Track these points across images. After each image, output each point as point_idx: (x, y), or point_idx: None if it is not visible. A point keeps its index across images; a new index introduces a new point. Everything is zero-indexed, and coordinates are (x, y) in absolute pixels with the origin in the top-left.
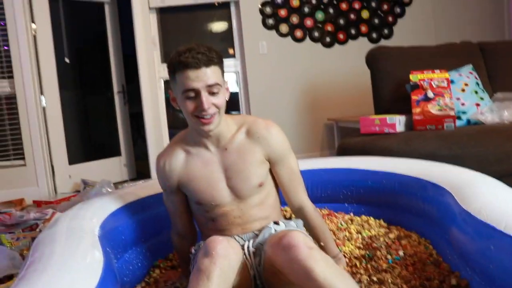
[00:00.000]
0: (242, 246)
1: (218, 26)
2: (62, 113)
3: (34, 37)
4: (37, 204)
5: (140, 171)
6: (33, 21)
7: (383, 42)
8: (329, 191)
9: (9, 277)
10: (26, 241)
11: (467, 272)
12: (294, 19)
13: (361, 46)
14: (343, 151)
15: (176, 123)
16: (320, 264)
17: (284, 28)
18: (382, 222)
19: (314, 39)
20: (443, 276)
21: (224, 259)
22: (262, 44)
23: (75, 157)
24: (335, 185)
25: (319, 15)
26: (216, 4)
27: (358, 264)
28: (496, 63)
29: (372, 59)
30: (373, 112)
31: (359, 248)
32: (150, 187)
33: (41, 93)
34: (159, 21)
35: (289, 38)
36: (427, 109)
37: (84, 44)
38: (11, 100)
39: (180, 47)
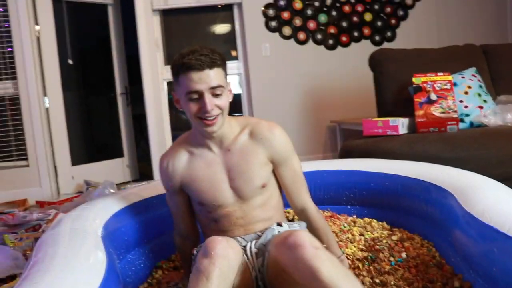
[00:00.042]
0: (244, 247)
1: (221, 28)
2: (65, 114)
3: (38, 38)
4: (40, 204)
5: (142, 172)
6: (36, 23)
7: (386, 45)
8: (332, 193)
9: (12, 277)
10: (29, 242)
11: (470, 275)
12: (297, 22)
13: (364, 49)
14: (345, 153)
15: (178, 125)
16: (326, 264)
17: (287, 30)
18: (385, 224)
19: (317, 42)
20: (446, 279)
21: (223, 260)
22: (265, 46)
23: (78, 158)
24: (338, 187)
25: (322, 18)
26: (219, 6)
27: (360, 266)
28: (499, 66)
29: (375, 62)
30: (376, 115)
31: (361, 250)
32: (153, 188)
33: (45, 94)
34: (162, 23)
35: (292, 41)
36: (430, 111)
37: (88, 45)
38: (14, 101)
39: (183, 49)
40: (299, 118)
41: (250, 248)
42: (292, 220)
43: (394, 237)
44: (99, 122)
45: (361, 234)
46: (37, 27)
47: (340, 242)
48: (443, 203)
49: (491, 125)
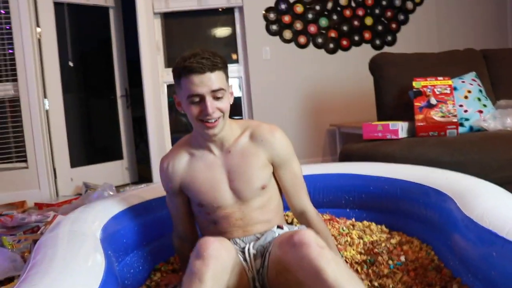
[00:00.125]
0: (243, 249)
1: (222, 32)
2: (65, 117)
3: (39, 40)
4: (39, 206)
5: (142, 175)
6: (38, 25)
7: (386, 49)
8: (331, 197)
9: (10, 279)
10: (27, 243)
11: (468, 278)
12: (298, 25)
13: (364, 53)
14: (345, 157)
15: (178, 128)
16: (331, 264)
17: (287, 34)
18: (384, 227)
19: (317, 45)
20: (445, 282)
21: (216, 260)
22: (265, 50)
23: (77, 160)
24: (337, 191)
25: (323, 22)
26: (220, 10)
27: (359, 269)
28: (499, 70)
29: (375, 66)
30: (376, 118)
31: (360, 253)
32: (152, 190)
33: (45, 96)
34: (163, 25)
35: (292, 44)
36: (430, 115)
37: (88, 48)
38: (14, 103)
39: (185, 53)
40: (299, 122)
41: (249, 249)
42: (291, 223)
43: (393, 241)
44: (99, 124)
45: (360, 238)
46: (38, 29)
47: (339, 246)
48: (442, 207)
49: (491, 129)
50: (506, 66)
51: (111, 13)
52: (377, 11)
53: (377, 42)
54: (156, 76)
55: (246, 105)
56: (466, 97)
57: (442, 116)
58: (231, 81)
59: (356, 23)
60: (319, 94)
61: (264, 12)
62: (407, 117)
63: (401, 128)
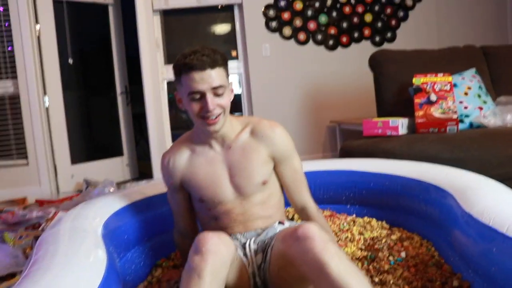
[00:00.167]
0: (244, 244)
1: (222, 28)
2: (65, 113)
3: (38, 37)
4: (40, 203)
5: (142, 171)
6: (37, 22)
7: (386, 46)
8: (331, 193)
9: (12, 275)
10: (28, 240)
11: (469, 274)
12: (298, 22)
13: (364, 49)
14: (345, 154)
15: (178, 124)
16: (335, 258)
17: (287, 31)
18: (384, 223)
19: (317, 42)
20: (445, 278)
21: (215, 256)
22: (265, 47)
23: (77, 156)
24: (337, 187)
25: (323, 18)
26: (220, 7)
27: (360, 265)
28: (499, 67)
29: (375, 62)
30: (376, 115)
31: (361, 249)
32: (153, 187)
33: (45, 93)
34: (163, 23)
35: (292, 41)
36: (430, 112)
37: (88, 45)
38: (14, 100)
39: (185, 50)
40: (299, 118)
41: (249, 245)
42: (292, 219)
43: (393, 237)
44: (99, 121)
45: (361, 234)
46: (38, 27)
47: (339, 242)
48: (443, 203)
49: (491, 126)
50: (506, 62)
51: (111, 10)
52: (376, 7)
53: (377, 38)
54: (155, 73)
55: (246, 102)
56: (466, 93)
57: (442, 113)
58: (230, 78)
59: (355, 19)
60: (319, 90)
61: (263, 9)
62: (407, 113)
63: (401, 125)
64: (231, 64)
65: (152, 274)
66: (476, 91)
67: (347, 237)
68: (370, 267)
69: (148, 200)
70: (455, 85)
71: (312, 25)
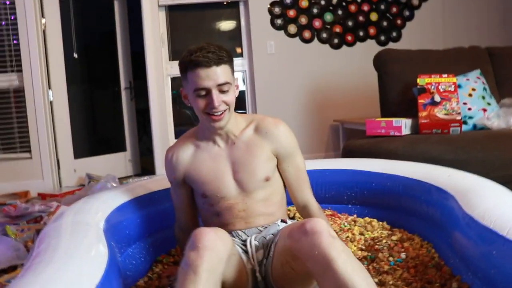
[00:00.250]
0: (244, 241)
1: (227, 25)
2: (69, 108)
3: (44, 31)
4: (42, 196)
5: (145, 167)
6: (43, 16)
7: (391, 45)
8: (333, 192)
9: (14, 268)
10: (30, 233)
11: (468, 277)
12: (303, 20)
13: (369, 48)
14: (348, 153)
15: (182, 120)
16: (342, 255)
17: (292, 28)
18: (385, 224)
19: (322, 40)
20: (445, 280)
21: (211, 252)
22: (270, 44)
23: (80, 151)
24: (339, 186)
25: (328, 17)
26: (225, 3)
27: None
28: (504, 68)
29: (379, 62)
30: (379, 115)
31: (361, 249)
32: (155, 182)
33: (49, 87)
34: (168, 18)
35: (297, 39)
36: (434, 113)
37: (93, 39)
38: (19, 93)
39: (191, 46)
40: (302, 116)
41: (250, 241)
42: (293, 218)
43: (394, 237)
44: (103, 116)
45: (361, 234)
46: (43, 20)
47: None
48: (444, 205)
49: (494, 128)
50: (511, 64)
51: (116, 5)
52: (382, 6)
53: (382, 38)
54: (160, 69)
55: (250, 99)
56: (470, 95)
57: (446, 114)
58: (235, 75)
59: (361, 18)
60: (323, 89)
61: (269, 6)
62: (410, 114)
63: (404, 125)
64: (236, 61)
65: (152, 270)
66: (481, 93)
67: (347, 236)
68: (370, 267)
69: (150, 196)
70: (459, 86)
71: (317, 23)
